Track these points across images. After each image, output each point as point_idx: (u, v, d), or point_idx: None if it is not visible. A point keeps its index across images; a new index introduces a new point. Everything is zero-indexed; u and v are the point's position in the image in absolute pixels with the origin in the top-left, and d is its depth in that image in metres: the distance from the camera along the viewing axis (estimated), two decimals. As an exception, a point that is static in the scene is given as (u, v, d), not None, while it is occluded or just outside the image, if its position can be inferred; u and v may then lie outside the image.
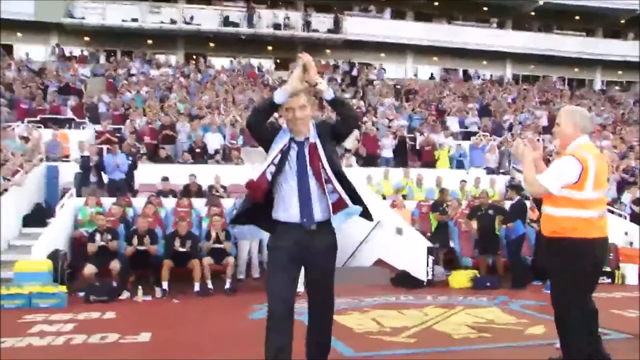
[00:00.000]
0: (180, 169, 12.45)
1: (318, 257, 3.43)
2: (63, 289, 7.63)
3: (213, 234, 8.91)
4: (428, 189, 12.97)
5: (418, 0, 27.81)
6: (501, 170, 14.86)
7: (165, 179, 11.64)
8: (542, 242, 4.76)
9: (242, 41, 25.79)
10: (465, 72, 28.96)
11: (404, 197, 12.03)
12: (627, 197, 12.39)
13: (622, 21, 29.99)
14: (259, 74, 23.71)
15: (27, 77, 19.13)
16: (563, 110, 4.11)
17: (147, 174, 12.20)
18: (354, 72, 25.05)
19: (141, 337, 5.74)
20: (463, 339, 5.53)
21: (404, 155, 15.14)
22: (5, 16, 22.94)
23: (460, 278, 8.96)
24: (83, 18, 24.05)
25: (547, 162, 4.06)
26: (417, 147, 15.68)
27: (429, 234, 10.19)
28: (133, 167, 11.83)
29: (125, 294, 8.03)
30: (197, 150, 13.59)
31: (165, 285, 8.26)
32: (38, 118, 14.95)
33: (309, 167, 3.37)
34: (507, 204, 10.17)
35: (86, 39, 24.83)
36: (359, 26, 26.70)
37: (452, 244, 10.06)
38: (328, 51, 27.05)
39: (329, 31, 26.26)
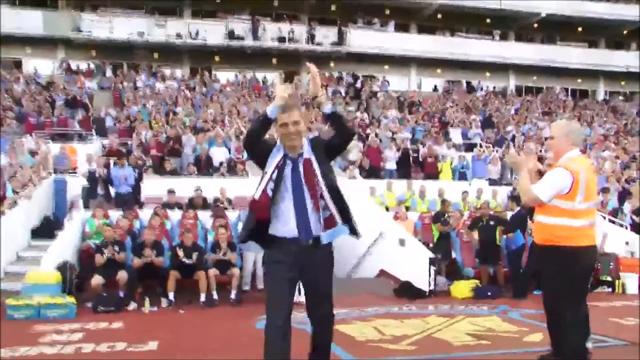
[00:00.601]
0: (186, 182, 12.60)
1: (315, 271, 3.50)
2: (72, 299, 7.77)
3: (220, 245, 9.07)
4: (431, 201, 13.09)
5: (421, 13, 28.07)
6: (503, 182, 14.99)
7: (171, 191, 11.80)
8: (535, 250, 4.94)
9: (247, 55, 26.10)
10: (468, 83, 29.14)
11: (407, 208, 12.15)
12: (627, 207, 12.49)
13: (625, 32, 30.19)
14: (264, 87, 23.98)
15: (35, 90, 19.43)
16: (556, 124, 4.37)
17: (153, 186, 12.36)
18: (358, 84, 25.29)
19: (149, 346, 5.88)
20: (462, 346, 5.66)
21: (407, 167, 15.28)
22: (14, 32, 23.40)
23: (462, 288, 9.07)
24: (90, 32, 24.42)
25: (540, 174, 4.22)
26: (420, 159, 15.83)
27: (431, 245, 10.31)
28: (139, 180, 12.01)
29: (132, 305, 8.17)
30: (203, 163, 13.79)
31: (171, 296, 8.41)
32: (46, 131, 15.19)
33: (304, 183, 3.45)
34: (510, 215, 10.28)
35: (93, 52, 25.18)
36: (362, 39, 27.00)
37: (454, 255, 10.17)
38: (332, 64, 27.32)
39: (333, 44, 26.56)
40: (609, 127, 22.23)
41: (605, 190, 13.09)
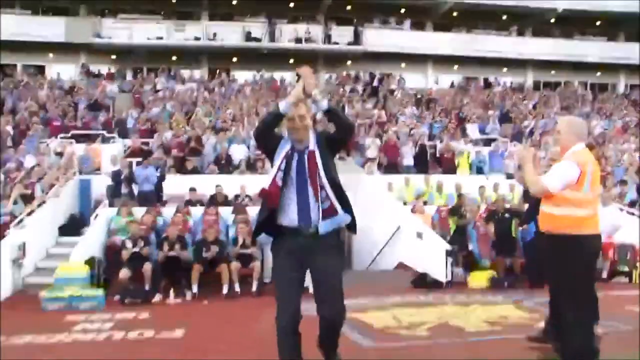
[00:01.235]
0: (207, 180, 12.84)
1: (318, 260, 3.61)
2: (101, 292, 8.12)
3: (240, 240, 9.33)
4: (448, 195, 13.18)
5: (437, 11, 28.10)
6: (521, 176, 15.01)
7: (192, 189, 12.08)
8: (539, 239, 5.15)
9: (264, 55, 26.39)
10: (485, 80, 29.09)
11: (425, 203, 12.29)
12: (645, 198, 12.45)
13: (644, 24, 29.84)
14: (282, 87, 24.25)
15: (59, 95, 19.92)
16: (563, 120, 4.62)
17: (175, 185, 12.59)
18: (375, 83, 25.43)
19: (175, 333, 6.20)
20: (475, 332, 5.90)
21: (424, 162, 15.39)
22: (38, 39, 24.03)
23: (479, 278, 9.21)
24: (110, 38, 24.95)
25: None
26: (438, 155, 15.93)
27: (448, 237, 10.45)
28: (161, 179, 12.29)
29: (157, 297, 8.47)
30: (223, 161, 14.07)
31: (195, 288, 8.69)
32: (70, 134, 15.61)
33: (307, 174, 3.61)
34: (526, 207, 10.37)
35: (113, 57, 25.70)
36: (379, 38, 27.08)
37: (470, 247, 10.30)
38: (349, 63, 27.49)
39: (350, 43, 26.71)
40: (628, 120, 22.04)
41: (623, 182, 13.07)
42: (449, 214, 11.14)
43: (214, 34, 25.79)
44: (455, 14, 28.27)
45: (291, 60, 25.90)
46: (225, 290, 8.76)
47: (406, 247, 10.54)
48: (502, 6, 27.37)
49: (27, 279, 9.40)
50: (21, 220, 9.62)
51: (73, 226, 11.29)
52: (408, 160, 15.31)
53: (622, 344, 5.18)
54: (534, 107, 23.59)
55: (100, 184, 12.59)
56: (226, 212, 11.27)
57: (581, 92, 28.54)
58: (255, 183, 12.57)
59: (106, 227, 10.63)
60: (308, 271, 3.72)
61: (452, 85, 28.36)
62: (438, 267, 9.36)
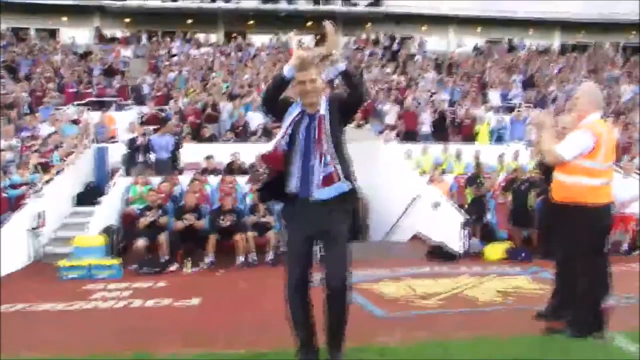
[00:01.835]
0: (223, 148, 12.83)
1: (323, 225, 3.53)
2: (118, 261, 8.21)
3: (258, 208, 9.32)
4: (467, 163, 13.00)
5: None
6: (542, 143, 14.69)
7: (209, 157, 12.05)
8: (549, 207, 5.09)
9: (281, 18, 25.95)
10: (509, 42, 28.26)
11: (444, 171, 12.14)
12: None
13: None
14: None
15: (73, 60, 19.80)
16: (584, 84, 4.61)
17: (192, 153, 12.59)
18: (395, 47, 24.88)
19: (192, 301, 6.35)
20: (487, 302, 5.95)
21: (443, 130, 15.15)
22: (51, 2, 23.76)
23: (496, 250, 9.11)
24: (124, 0, 24.59)
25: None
26: (457, 122, 15.63)
27: (465, 207, 10.32)
28: (177, 146, 12.27)
29: (174, 266, 8.54)
30: (239, 128, 13.99)
31: (211, 257, 8.74)
32: (85, 101, 15.60)
33: (313, 139, 3.53)
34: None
35: (127, 20, 25.41)
36: (399, -1, 26.47)
37: (488, 217, 10.16)
38: (369, 25, 26.92)
39: (370, 4, 26.11)
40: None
41: (649, 151, 12.73)
42: (466, 184, 10.98)
43: (230, -4, 25.38)
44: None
45: (309, 23, 25.44)
46: (241, 259, 8.78)
47: (423, 218, 10.44)
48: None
49: (44, 248, 9.45)
50: (40, 189, 9.68)
51: (90, 195, 11.35)
52: (426, 127, 15.06)
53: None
54: (560, 71, 22.90)
55: (116, 152, 12.60)
56: (242, 180, 11.25)
57: (611, 54, 27.47)
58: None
59: (123, 196, 10.68)
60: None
61: (475, 48, 27.64)
62: (454, 238, 9.27)
